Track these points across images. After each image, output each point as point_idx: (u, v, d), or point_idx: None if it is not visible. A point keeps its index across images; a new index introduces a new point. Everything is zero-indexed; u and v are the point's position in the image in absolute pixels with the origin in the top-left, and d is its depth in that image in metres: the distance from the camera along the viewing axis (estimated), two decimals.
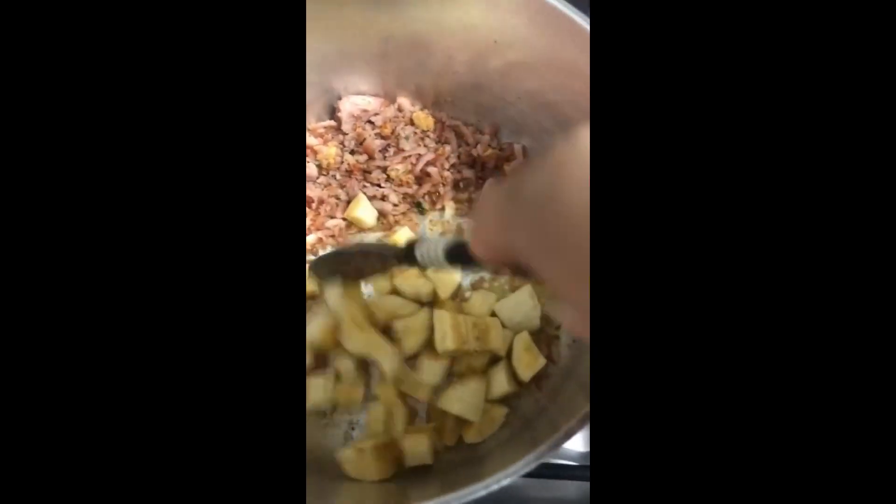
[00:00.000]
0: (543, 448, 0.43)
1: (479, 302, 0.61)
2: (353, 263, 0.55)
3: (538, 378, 0.59)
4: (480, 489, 0.45)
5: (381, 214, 0.68)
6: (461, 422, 0.57)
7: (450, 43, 0.64)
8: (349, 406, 0.58)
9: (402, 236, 0.65)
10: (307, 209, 0.67)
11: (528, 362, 0.58)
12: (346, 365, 0.59)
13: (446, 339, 0.55)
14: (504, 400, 0.59)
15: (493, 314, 0.61)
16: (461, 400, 0.55)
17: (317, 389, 0.58)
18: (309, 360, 0.59)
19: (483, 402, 0.56)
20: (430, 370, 0.57)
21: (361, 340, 0.57)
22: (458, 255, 0.40)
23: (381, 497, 0.54)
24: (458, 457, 0.57)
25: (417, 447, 0.55)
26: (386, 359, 0.56)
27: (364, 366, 0.60)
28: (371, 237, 0.68)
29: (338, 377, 0.59)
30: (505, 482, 0.45)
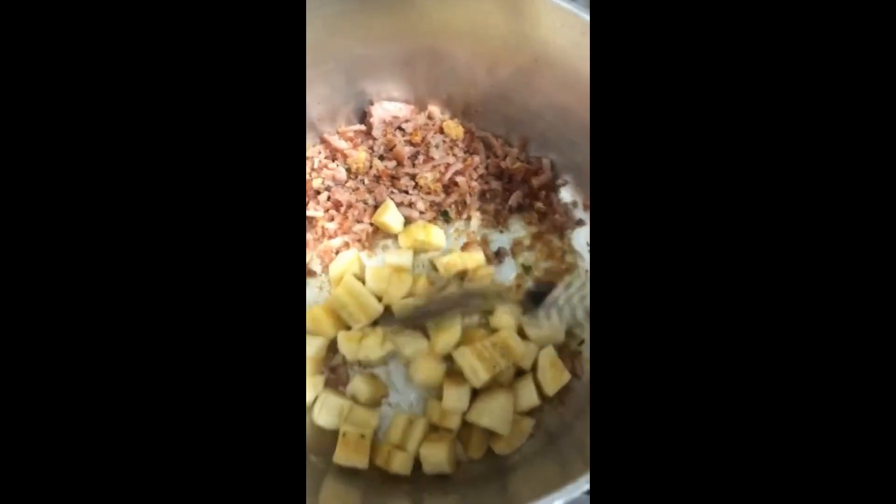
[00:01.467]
0: (572, 486, 0.43)
1: (506, 316, 0.61)
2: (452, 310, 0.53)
3: (562, 393, 0.60)
4: None
5: (408, 221, 0.68)
6: (488, 434, 0.57)
7: (484, 55, 0.64)
8: (364, 428, 0.57)
9: (435, 236, 0.65)
10: (336, 212, 0.67)
11: (554, 377, 0.59)
12: (360, 389, 0.59)
13: (479, 372, 0.56)
14: (530, 413, 0.59)
15: (520, 329, 0.61)
16: (490, 413, 0.55)
17: (332, 411, 0.58)
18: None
19: (512, 415, 0.56)
20: (456, 398, 0.56)
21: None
22: None
23: (394, 500, 0.54)
24: (481, 469, 0.57)
25: (436, 456, 0.55)
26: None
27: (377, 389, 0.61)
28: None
29: (355, 400, 0.59)
30: None
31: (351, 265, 0.64)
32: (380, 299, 0.62)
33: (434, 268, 0.66)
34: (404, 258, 0.65)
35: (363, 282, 0.63)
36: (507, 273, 0.67)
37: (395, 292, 0.62)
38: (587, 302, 0.37)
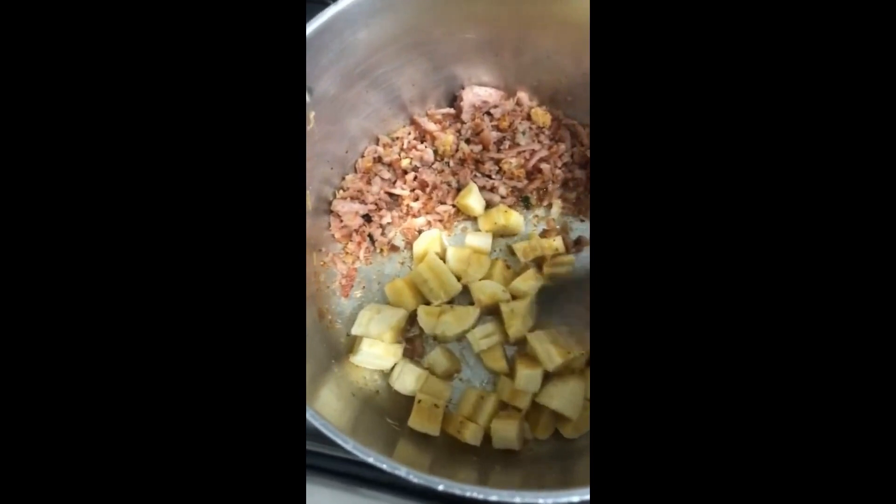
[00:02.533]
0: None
1: None
2: None
3: None
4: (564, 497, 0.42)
5: (489, 205, 0.70)
6: (556, 417, 0.59)
7: (574, 44, 0.64)
8: (438, 398, 0.60)
9: (514, 221, 0.67)
10: (421, 192, 0.70)
11: None
12: (438, 361, 0.62)
13: (553, 356, 0.57)
14: None
15: None
16: (561, 397, 0.57)
17: (410, 377, 0.61)
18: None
19: (582, 400, 0.57)
20: (528, 380, 0.58)
21: None
22: None
23: (462, 468, 0.56)
24: (547, 450, 0.59)
25: (506, 431, 0.57)
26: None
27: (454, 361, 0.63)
28: None
29: (431, 371, 0.62)
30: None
31: (433, 244, 0.67)
32: (459, 279, 0.64)
33: (511, 252, 0.67)
34: (484, 241, 0.67)
35: (443, 260, 0.66)
36: (586, 262, 0.67)
37: (474, 273, 0.64)
38: None
